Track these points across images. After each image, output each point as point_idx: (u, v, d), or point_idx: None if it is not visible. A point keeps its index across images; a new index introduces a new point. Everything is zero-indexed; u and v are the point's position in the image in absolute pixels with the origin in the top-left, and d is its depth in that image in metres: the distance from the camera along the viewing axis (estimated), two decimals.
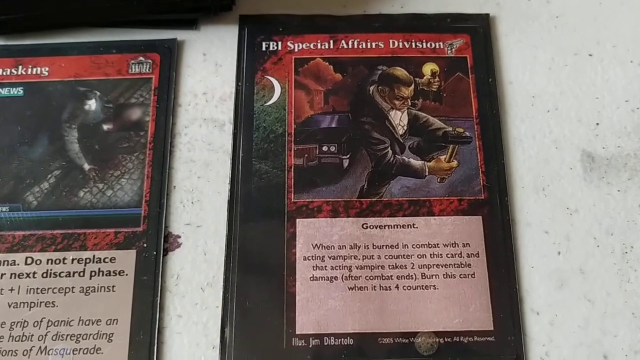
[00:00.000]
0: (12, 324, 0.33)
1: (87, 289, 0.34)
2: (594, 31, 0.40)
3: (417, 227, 0.35)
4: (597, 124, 0.37)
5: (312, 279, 0.34)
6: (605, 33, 0.40)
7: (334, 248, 0.34)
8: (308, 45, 0.39)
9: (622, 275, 0.34)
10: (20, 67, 0.38)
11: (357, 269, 0.34)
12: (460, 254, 0.34)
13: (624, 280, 0.34)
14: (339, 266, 0.34)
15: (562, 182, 0.36)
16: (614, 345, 0.33)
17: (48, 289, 0.34)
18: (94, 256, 0.34)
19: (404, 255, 0.34)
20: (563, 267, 0.34)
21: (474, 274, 0.34)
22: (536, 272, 0.34)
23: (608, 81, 0.39)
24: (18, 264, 0.34)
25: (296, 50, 0.39)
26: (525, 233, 0.35)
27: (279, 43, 0.39)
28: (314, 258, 0.34)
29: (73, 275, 0.34)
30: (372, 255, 0.34)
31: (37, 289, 0.34)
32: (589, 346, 0.33)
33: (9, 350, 0.32)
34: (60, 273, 0.34)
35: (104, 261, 0.34)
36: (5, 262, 0.34)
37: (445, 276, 0.34)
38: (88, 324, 0.33)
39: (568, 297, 0.34)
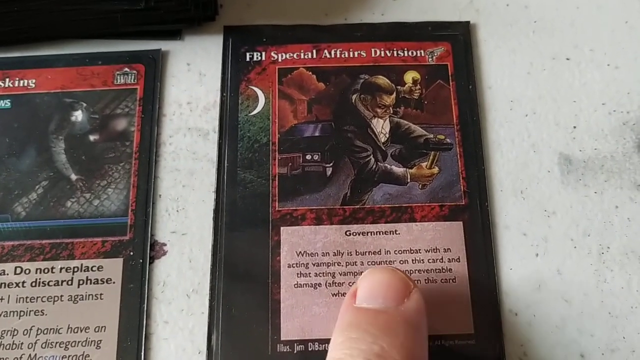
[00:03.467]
0: (3, 332, 0.33)
1: (76, 297, 0.34)
2: (572, 35, 0.41)
3: (399, 234, 0.35)
4: (575, 127, 0.38)
5: (296, 285, 0.34)
6: (582, 37, 0.40)
7: (317, 255, 0.35)
8: (291, 55, 0.40)
9: (598, 275, 0.35)
10: (7, 79, 0.39)
11: (340, 275, 0.35)
12: (442, 259, 0.35)
13: (600, 281, 0.35)
14: (323, 273, 0.35)
15: (540, 185, 0.37)
16: (591, 344, 0.33)
17: (37, 297, 0.34)
18: (81, 265, 0.35)
19: (386, 261, 0.35)
20: (541, 269, 0.35)
21: (454, 279, 0.34)
22: (515, 274, 0.35)
23: (585, 84, 0.39)
24: (7, 274, 0.35)
25: (280, 60, 0.39)
26: (504, 236, 0.36)
27: (263, 53, 0.40)
28: (298, 265, 0.35)
29: (61, 284, 0.34)
30: (355, 262, 0.35)
31: (27, 297, 0.34)
32: (566, 346, 0.33)
33: (0, 358, 0.33)
34: (49, 282, 0.34)
35: (92, 270, 0.35)
36: None
37: (427, 281, 0.34)
38: (77, 332, 0.33)
39: (546, 298, 0.34)
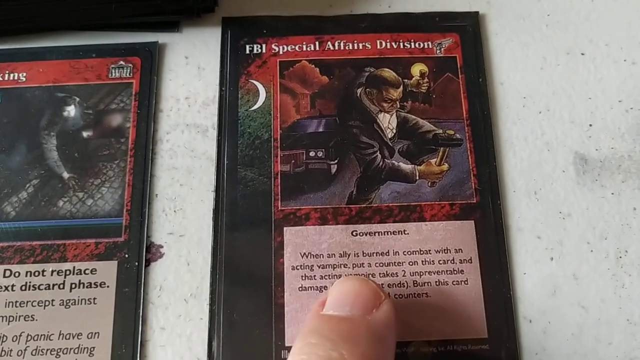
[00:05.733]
0: None
1: (67, 301, 0.33)
2: (587, 29, 0.39)
3: (408, 233, 0.34)
4: (590, 125, 0.37)
5: (301, 289, 0.33)
6: (598, 31, 0.39)
7: (323, 257, 0.34)
8: (293, 47, 0.38)
9: (616, 280, 0.33)
10: None
11: None
12: (453, 260, 0.33)
13: (618, 286, 0.33)
14: (329, 275, 0.33)
15: (554, 185, 0.35)
16: (609, 353, 0.32)
17: (27, 302, 0.33)
18: (74, 268, 0.33)
19: (395, 262, 0.33)
20: (556, 273, 0.33)
21: (467, 281, 0.33)
22: (529, 278, 0.33)
23: (601, 81, 0.38)
24: None
25: (281, 52, 0.38)
26: (517, 239, 0.34)
27: (263, 46, 0.38)
28: (302, 267, 0.33)
29: (53, 288, 0.33)
30: (363, 263, 0.33)
31: (16, 302, 0.33)
32: (583, 355, 0.32)
33: None
34: (39, 285, 0.33)
35: (85, 273, 0.33)
36: None
37: (437, 283, 0.33)
38: (68, 338, 0.32)
39: (561, 304, 0.33)
